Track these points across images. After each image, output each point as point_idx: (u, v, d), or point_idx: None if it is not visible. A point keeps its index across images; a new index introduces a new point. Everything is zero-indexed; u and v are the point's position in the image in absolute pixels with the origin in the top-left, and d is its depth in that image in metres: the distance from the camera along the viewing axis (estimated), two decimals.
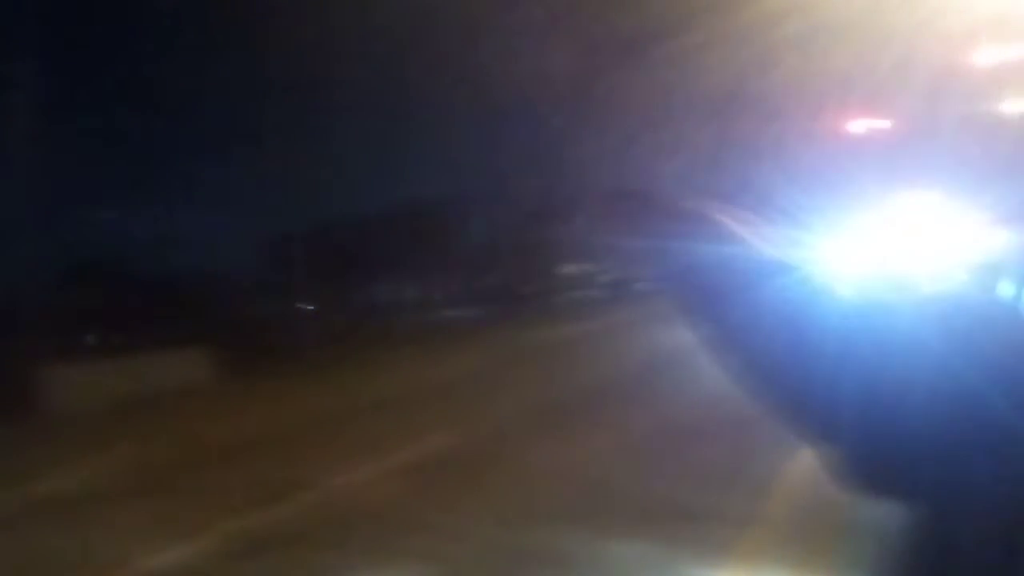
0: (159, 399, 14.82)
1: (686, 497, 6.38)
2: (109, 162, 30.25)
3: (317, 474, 8.54)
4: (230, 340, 19.81)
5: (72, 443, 11.76)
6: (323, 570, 6.17)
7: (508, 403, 11.77)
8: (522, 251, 34.22)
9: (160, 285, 26.51)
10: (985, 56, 13.08)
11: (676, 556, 5.52)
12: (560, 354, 17.88)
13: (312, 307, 26.45)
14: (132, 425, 13.00)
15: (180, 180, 32.05)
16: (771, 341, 0.95)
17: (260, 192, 33.11)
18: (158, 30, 24.34)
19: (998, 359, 0.92)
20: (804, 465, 6.09)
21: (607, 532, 5.87)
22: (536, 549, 5.80)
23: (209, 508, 7.76)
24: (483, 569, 5.76)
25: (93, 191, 28.66)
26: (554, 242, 32.39)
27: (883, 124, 17.61)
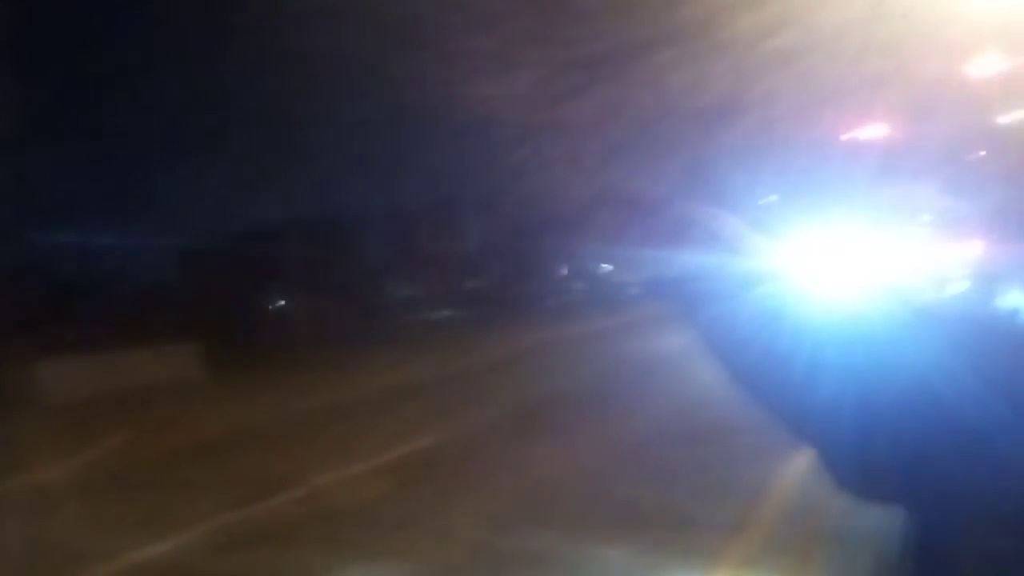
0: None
1: (675, 502, 6.33)
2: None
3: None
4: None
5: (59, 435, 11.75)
6: (303, 565, 6.14)
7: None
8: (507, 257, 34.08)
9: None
10: (986, 66, 13.09)
11: (664, 561, 5.48)
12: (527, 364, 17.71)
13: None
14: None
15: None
16: (758, 348, 0.93)
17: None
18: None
19: (996, 365, 0.90)
20: (795, 470, 6.08)
21: (594, 536, 5.83)
22: (521, 552, 5.76)
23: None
24: (468, 571, 5.72)
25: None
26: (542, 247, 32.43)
27: (881, 133, 17.62)
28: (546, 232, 31.72)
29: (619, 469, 7.64)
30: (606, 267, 35.12)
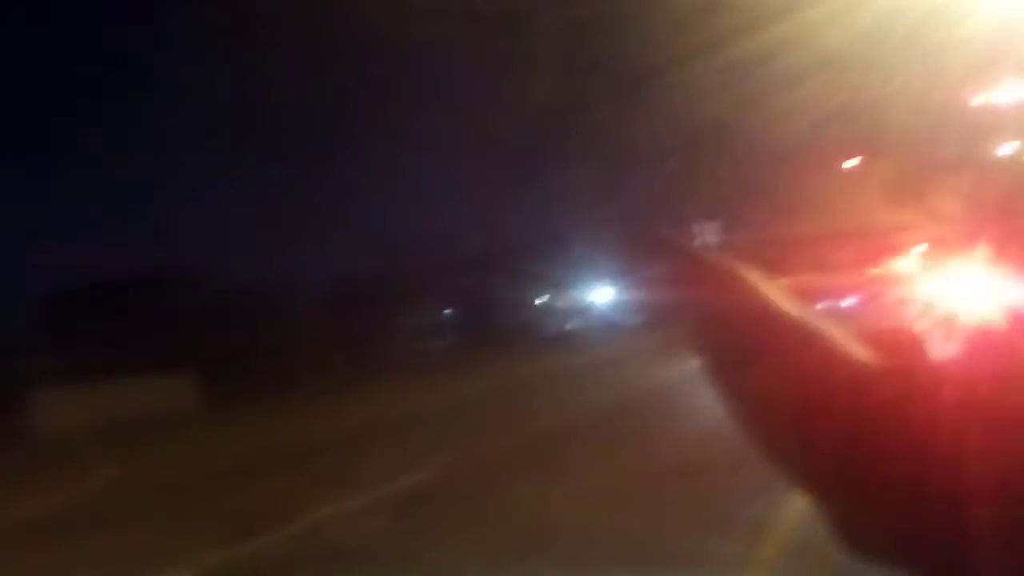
0: None
1: (676, 536, 6.24)
2: None
3: None
4: None
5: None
6: None
7: None
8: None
9: None
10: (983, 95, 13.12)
11: None
12: None
13: None
14: None
15: None
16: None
17: None
18: None
19: None
20: (796, 506, 5.98)
21: (594, 570, 5.75)
22: None
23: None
24: None
25: None
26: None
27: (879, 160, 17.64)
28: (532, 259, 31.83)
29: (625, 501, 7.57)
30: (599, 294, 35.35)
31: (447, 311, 36.03)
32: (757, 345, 0.90)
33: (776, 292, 0.91)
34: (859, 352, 0.87)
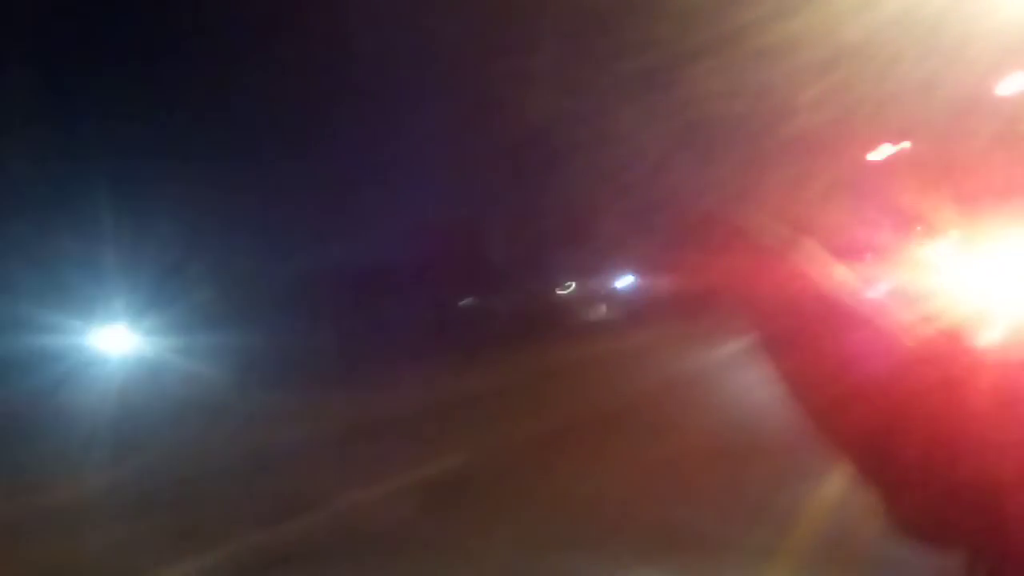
0: None
1: (707, 524, 6.25)
2: None
3: None
4: None
5: None
6: None
7: None
8: None
9: None
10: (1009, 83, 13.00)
11: None
12: None
13: None
14: None
15: None
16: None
17: None
18: None
19: None
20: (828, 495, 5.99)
21: (622, 560, 5.79)
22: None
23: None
24: None
25: None
26: None
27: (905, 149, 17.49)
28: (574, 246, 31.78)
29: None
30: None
31: (469, 300, 35.85)
32: (809, 327, 0.95)
33: (837, 275, 0.94)
34: (904, 338, 0.91)
